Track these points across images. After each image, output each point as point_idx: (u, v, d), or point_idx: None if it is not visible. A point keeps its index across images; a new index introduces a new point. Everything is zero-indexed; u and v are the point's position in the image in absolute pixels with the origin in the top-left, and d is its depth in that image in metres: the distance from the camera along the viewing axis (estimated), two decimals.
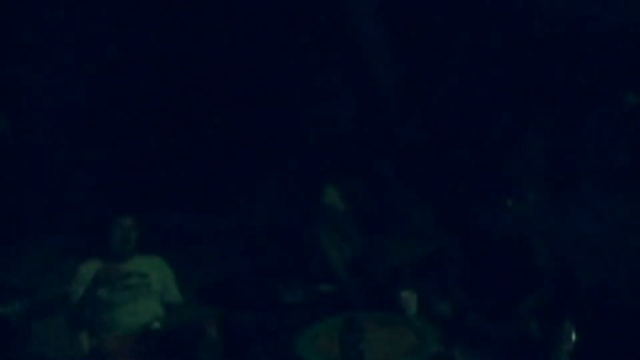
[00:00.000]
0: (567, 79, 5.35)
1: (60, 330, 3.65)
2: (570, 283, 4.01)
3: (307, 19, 6.20)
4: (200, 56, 6.40)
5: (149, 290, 3.95)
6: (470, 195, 4.92)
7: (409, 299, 3.77)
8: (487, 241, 4.38)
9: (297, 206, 5.33)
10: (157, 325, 3.71)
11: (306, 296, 4.18)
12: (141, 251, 4.04)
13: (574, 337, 3.21)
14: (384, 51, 6.26)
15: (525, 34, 5.60)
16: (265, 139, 6.15)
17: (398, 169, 5.69)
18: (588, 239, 4.06)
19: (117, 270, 3.91)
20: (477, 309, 4.03)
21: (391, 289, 4.36)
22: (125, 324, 3.78)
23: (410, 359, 3.34)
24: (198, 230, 5.42)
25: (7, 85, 6.45)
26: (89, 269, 3.92)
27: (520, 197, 4.57)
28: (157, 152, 6.15)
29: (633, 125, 4.54)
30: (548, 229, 4.31)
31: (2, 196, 6.31)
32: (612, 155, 4.51)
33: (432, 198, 5.41)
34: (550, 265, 4.20)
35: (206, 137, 6.23)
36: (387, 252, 4.91)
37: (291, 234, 5.04)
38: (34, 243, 6.13)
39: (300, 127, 6.47)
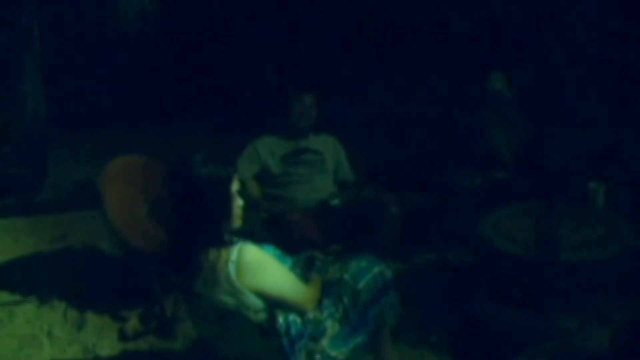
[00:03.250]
0: None
1: None
2: None
3: None
4: None
5: (324, 167, 3.92)
6: None
7: (597, 190, 3.57)
8: None
9: (460, 93, 5.14)
10: (336, 201, 3.70)
11: (483, 182, 4.05)
12: (315, 131, 3.98)
13: None
14: None
15: None
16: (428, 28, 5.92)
17: (568, 59, 5.35)
18: None
19: (293, 145, 3.91)
20: None
21: (564, 180, 4.17)
22: (303, 199, 3.78)
23: (603, 250, 3.17)
24: (365, 116, 5.36)
25: None
26: (265, 143, 3.93)
27: None
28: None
29: None
30: None
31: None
32: None
33: (608, 90, 5.07)
34: None
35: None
36: (559, 143, 4.67)
37: (456, 120, 4.88)
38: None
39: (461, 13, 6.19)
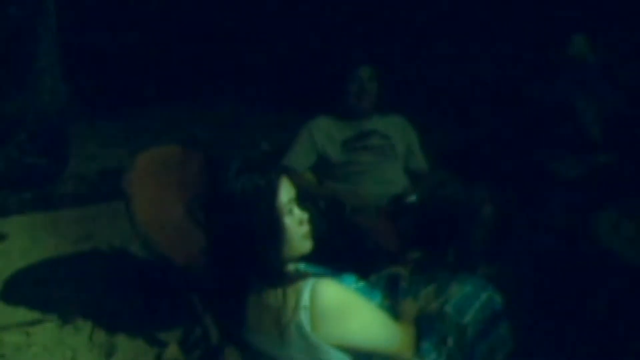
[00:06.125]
0: None
1: None
2: None
3: None
4: None
5: (393, 154, 3.28)
6: None
7: None
8: None
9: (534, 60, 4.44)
10: (413, 198, 3.06)
11: (588, 170, 3.36)
12: (381, 110, 3.33)
13: None
14: None
15: None
16: None
17: None
18: None
19: (355, 128, 3.28)
20: None
21: None
22: (371, 193, 3.15)
23: None
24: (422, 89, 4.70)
25: None
26: (321, 127, 3.30)
27: None
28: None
29: None
30: None
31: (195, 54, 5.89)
32: None
33: None
34: None
35: None
36: None
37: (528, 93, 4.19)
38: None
39: None
